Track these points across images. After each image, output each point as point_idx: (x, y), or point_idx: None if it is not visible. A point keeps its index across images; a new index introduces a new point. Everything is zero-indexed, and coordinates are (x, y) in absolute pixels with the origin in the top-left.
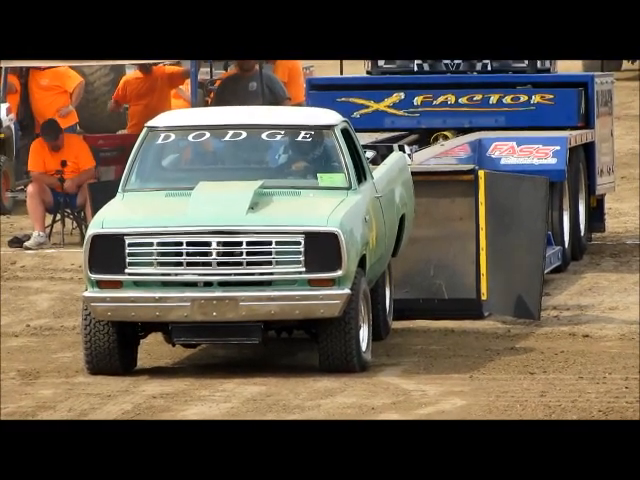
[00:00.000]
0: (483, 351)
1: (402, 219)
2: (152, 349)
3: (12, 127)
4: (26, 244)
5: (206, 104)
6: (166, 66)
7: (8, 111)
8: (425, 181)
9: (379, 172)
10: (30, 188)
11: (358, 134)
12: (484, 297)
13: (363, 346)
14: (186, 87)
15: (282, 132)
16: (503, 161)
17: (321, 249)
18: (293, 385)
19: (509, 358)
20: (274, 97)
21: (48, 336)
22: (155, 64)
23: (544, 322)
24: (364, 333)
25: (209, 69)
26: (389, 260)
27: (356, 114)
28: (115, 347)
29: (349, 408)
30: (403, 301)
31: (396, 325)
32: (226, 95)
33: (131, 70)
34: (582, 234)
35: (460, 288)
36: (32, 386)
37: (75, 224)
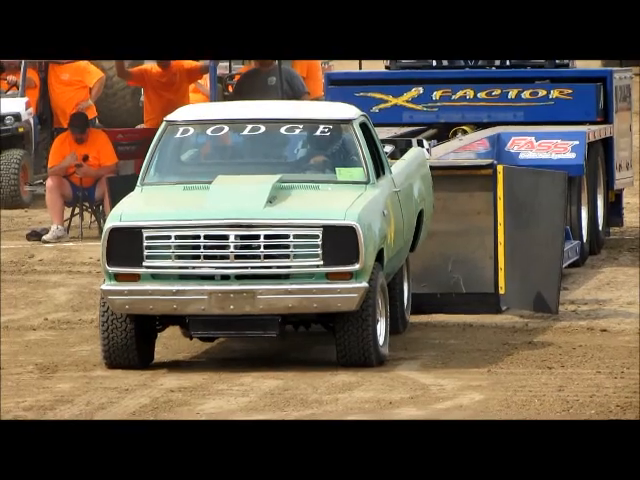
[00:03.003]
0: (501, 345)
1: (420, 214)
2: (170, 343)
3: (31, 121)
4: (44, 237)
5: (225, 99)
6: (184, 61)
7: (27, 105)
8: (443, 176)
9: (398, 167)
10: (49, 182)
11: (377, 129)
12: (502, 291)
13: (380, 340)
14: (205, 82)
15: (300, 126)
16: (522, 156)
17: (339, 242)
18: (311, 379)
19: (527, 352)
20: (293, 92)
21: (66, 330)
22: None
23: (562, 316)
24: (381, 327)
25: (228, 63)
26: (407, 255)
27: (375, 109)
28: (133, 341)
29: (367, 402)
30: (421, 295)
31: (414, 319)
32: (245, 90)
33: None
34: (600, 228)
35: (478, 282)
36: (50, 380)
37: (93, 217)
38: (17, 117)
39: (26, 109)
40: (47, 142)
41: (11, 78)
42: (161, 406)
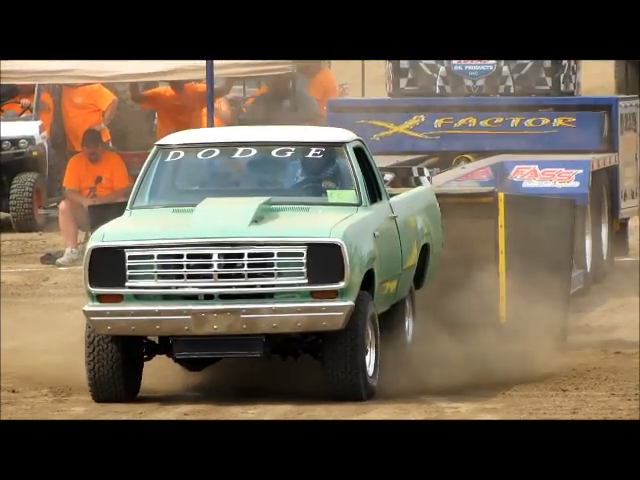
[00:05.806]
0: (515, 368)
1: (426, 249)
2: (179, 370)
3: (45, 145)
4: (58, 261)
5: (239, 121)
6: (198, 84)
7: (41, 129)
8: (444, 203)
9: (400, 197)
10: (62, 205)
11: (378, 157)
12: (503, 320)
13: (370, 371)
14: (219, 105)
15: (292, 149)
16: (525, 184)
17: (323, 260)
18: (325, 402)
19: (541, 375)
20: (307, 115)
21: (80, 353)
22: (187, 81)
23: (575, 339)
24: (371, 358)
25: (242, 86)
26: (410, 288)
27: (376, 137)
28: (119, 368)
29: None
30: (423, 323)
31: (422, 346)
32: (259, 113)
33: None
34: (605, 257)
35: (480, 310)
36: (64, 403)
37: None
38: (31, 140)
39: (40, 132)
40: (61, 165)
41: (25, 101)
42: None
